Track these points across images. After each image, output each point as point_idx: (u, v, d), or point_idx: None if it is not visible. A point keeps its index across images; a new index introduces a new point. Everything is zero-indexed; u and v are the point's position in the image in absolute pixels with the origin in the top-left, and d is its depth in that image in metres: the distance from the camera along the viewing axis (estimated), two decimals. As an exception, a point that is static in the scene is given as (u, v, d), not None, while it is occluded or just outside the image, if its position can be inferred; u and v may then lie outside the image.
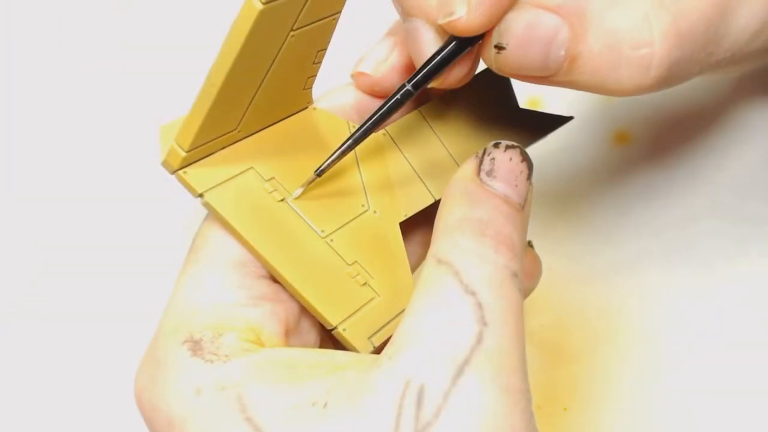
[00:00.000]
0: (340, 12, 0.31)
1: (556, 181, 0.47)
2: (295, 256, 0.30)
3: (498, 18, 0.31)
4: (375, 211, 0.33)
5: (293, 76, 0.32)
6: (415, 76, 0.32)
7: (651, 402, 0.40)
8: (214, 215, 0.30)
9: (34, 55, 0.51)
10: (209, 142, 0.30)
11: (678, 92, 0.49)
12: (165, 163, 0.30)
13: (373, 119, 0.32)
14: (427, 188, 0.35)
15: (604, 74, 0.31)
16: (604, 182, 0.47)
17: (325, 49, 0.32)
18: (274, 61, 0.30)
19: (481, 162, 0.31)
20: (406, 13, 0.32)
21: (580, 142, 0.48)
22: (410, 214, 0.34)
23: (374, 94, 0.36)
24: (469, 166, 0.31)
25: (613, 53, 0.31)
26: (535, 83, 0.32)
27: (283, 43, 0.30)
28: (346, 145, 0.32)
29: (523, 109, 0.38)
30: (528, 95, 0.48)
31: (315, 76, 0.33)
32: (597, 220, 0.46)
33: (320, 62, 0.32)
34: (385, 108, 0.32)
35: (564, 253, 0.42)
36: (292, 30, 0.29)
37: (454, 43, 0.31)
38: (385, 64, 0.35)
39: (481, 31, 0.31)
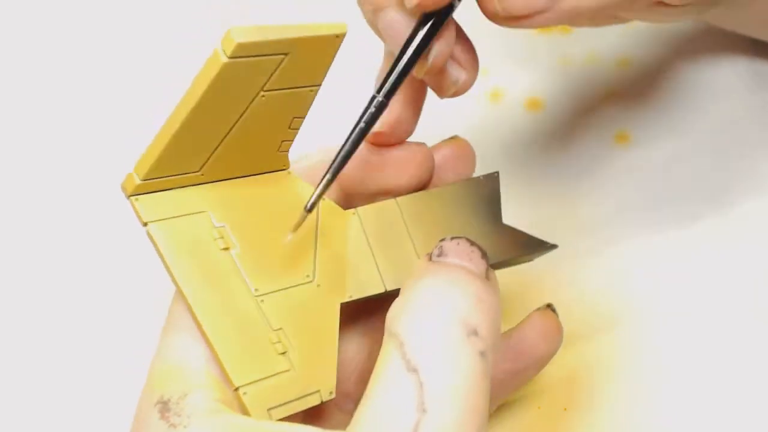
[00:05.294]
0: (320, 85, 0.31)
1: (556, 181, 0.47)
2: (219, 306, 0.30)
3: None
4: (318, 285, 0.33)
5: (265, 136, 0.32)
6: (388, 75, 0.32)
7: (651, 402, 0.40)
8: (154, 248, 0.30)
9: (33, 55, 0.51)
10: (168, 176, 0.30)
11: (677, 92, 0.49)
12: (122, 186, 0.30)
13: (354, 134, 0.32)
14: (381, 277, 0.34)
15: None
16: (604, 182, 0.47)
17: (303, 117, 0.32)
18: (242, 115, 0.30)
19: (431, 253, 0.30)
20: (377, 8, 0.33)
21: (581, 142, 0.47)
22: (356, 298, 0.34)
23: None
24: (421, 259, 0.30)
25: None
26: (528, 27, 0.33)
27: (253, 100, 0.30)
28: (335, 166, 0.32)
29: (506, 226, 0.38)
30: (528, 95, 0.48)
31: (291, 141, 0.33)
32: (597, 220, 0.46)
33: (297, 129, 0.32)
34: (361, 121, 0.32)
35: (563, 252, 0.41)
36: (262, 90, 0.30)
37: (430, 23, 0.32)
38: (397, 120, 0.36)
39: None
